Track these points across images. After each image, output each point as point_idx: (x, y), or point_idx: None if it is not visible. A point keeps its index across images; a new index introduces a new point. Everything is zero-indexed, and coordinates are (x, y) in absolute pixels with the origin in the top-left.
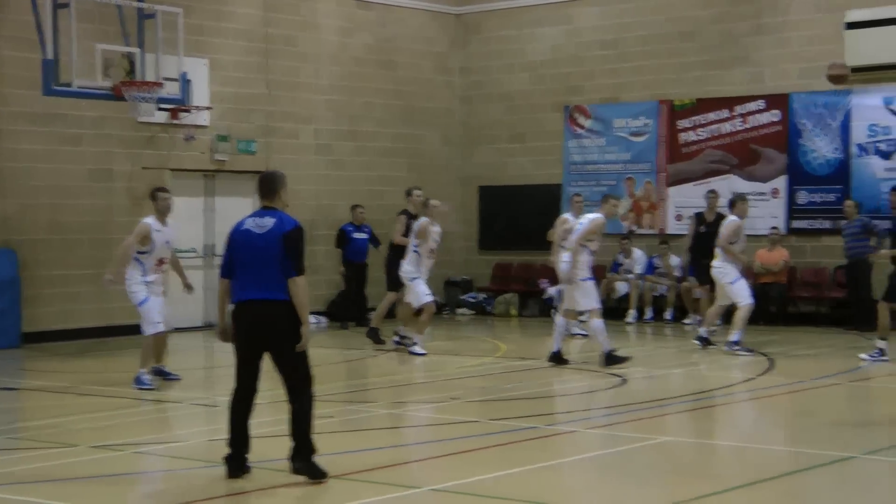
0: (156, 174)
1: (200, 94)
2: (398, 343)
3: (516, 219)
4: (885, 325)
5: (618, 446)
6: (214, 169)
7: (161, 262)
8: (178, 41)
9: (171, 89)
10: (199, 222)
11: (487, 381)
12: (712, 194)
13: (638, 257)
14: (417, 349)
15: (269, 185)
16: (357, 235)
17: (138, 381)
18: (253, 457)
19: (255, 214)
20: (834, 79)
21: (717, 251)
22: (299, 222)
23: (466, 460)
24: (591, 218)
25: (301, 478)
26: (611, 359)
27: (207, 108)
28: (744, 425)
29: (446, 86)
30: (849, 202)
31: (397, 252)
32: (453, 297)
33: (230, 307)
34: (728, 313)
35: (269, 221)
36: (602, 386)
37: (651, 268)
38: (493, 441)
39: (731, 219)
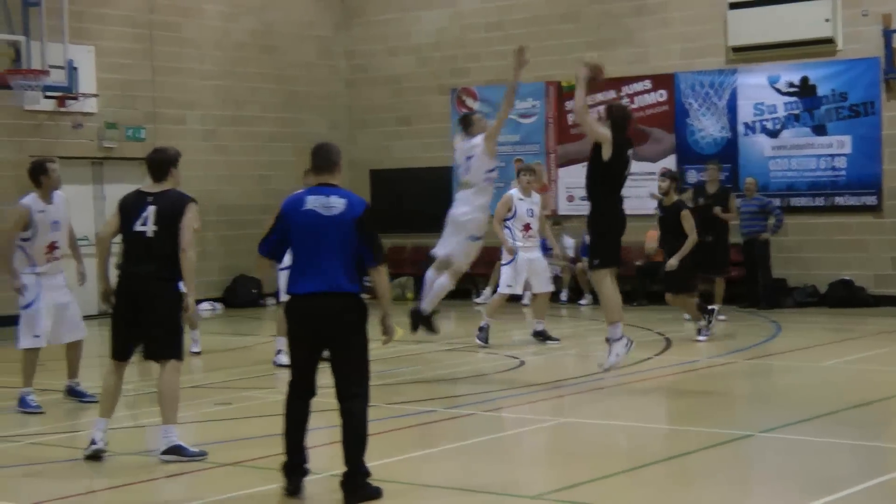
0: None
1: (87, 82)
2: None
3: (407, 202)
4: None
5: (514, 428)
6: (102, 156)
7: (52, 246)
8: (63, 28)
9: (58, 77)
10: (89, 210)
11: (384, 365)
12: (713, 165)
13: None
14: None
15: (327, 157)
16: None
17: (23, 402)
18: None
19: (315, 192)
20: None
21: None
22: (367, 201)
23: None
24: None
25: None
26: (421, 318)
27: (94, 96)
28: (638, 406)
29: (330, 70)
30: (749, 180)
31: None
32: None
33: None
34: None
35: (337, 202)
36: (499, 368)
37: (545, 249)
38: (391, 425)
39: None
